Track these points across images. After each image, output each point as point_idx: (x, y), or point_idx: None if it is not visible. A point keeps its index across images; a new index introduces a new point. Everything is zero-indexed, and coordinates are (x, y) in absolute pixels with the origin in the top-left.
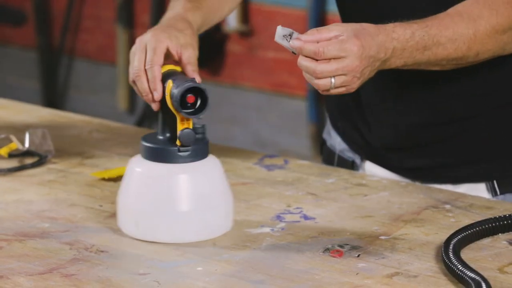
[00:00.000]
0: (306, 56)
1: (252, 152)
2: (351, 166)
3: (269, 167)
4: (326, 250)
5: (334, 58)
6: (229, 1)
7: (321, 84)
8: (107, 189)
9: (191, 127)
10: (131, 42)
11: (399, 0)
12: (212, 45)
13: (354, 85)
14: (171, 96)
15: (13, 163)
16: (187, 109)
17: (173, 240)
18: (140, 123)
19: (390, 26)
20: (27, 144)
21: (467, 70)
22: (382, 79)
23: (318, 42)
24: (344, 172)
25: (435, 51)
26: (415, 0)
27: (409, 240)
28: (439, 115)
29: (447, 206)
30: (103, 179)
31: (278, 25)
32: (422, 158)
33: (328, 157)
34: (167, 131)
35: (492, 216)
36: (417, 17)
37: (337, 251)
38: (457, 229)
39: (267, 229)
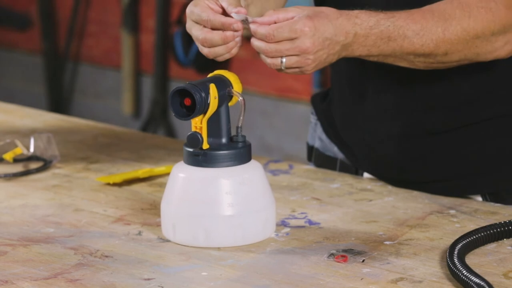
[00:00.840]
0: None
1: (257, 157)
2: (355, 172)
3: (274, 172)
4: (331, 255)
5: (286, 40)
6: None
7: (271, 62)
8: (112, 194)
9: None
10: (136, 46)
11: None
12: None
13: (308, 68)
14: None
15: (18, 168)
16: (181, 112)
17: (212, 244)
18: (145, 128)
19: (354, 12)
20: (32, 149)
21: (452, 81)
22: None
23: (275, 23)
24: (348, 177)
25: (401, 43)
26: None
27: (414, 245)
28: (422, 127)
29: (452, 212)
30: (108, 184)
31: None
32: (415, 172)
33: (325, 162)
34: (208, 135)
35: (497, 222)
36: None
37: (342, 256)
38: (462, 234)
39: (272, 234)
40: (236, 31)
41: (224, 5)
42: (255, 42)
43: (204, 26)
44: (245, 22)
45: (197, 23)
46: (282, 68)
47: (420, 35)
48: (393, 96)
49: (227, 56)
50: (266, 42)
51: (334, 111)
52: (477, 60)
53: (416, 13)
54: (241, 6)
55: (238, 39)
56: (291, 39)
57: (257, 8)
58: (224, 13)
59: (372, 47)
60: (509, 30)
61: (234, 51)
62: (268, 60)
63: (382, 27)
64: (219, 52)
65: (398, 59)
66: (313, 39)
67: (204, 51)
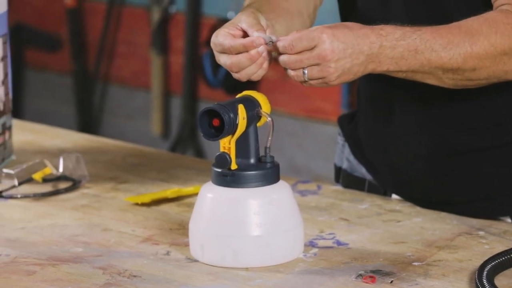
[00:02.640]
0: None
1: (285, 177)
2: (384, 193)
3: (302, 193)
4: (359, 276)
5: (305, 50)
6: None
7: (294, 74)
8: (140, 214)
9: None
10: (166, 67)
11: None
12: None
13: (332, 77)
14: None
15: (47, 187)
16: (210, 133)
17: (240, 265)
18: (173, 148)
19: (378, 26)
20: (61, 169)
21: (479, 102)
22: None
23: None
24: (377, 198)
25: (428, 57)
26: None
27: (443, 266)
28: (449, 148)
29: (481, 233)
30: (137, 204)
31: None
32: (442, 194)
33: (353, 183)
34: (236, 156)
35: None
36: None
37: (370, 277)
38: (491, 255)
39: (300, 255)
40: (258, 45)
41: (244, 27)
42: (280, 57)
43: (230, 53)
44: (268, 42)
45: (222, 52)
46: (305, 79)
47: (448, 49)
48: (419, 117)
49: (260, 73)
50: (287, 54)
51: (360, 132)
52: (505, 79)
53: (442, 28)
54: (262, 26)
55: (264, 54)
56: (311, 48)
57: (282, 27)
58: (246, 35)
59: (400, 60)
60: None
61: (266, 65)
62: (292, 73)
63: (408, 39)
64: (251, 72)
65: (426, 75)
66: (331, 45)
67: (236, 76)
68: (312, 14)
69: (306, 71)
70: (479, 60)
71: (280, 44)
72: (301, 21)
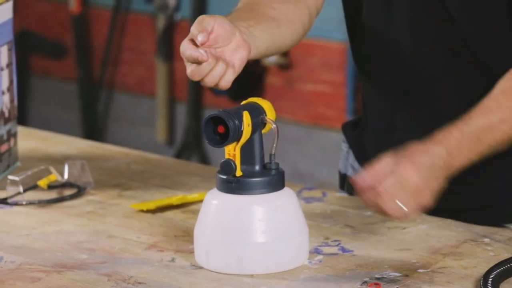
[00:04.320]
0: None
1: (290, 184)
2: None
3: (307, 200)
4: (364, 283)
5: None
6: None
7: (392, 210)
8: (145, 220)
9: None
10: (171, 74)
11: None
12: (251, 78)
13: (426, 200)
14: None
15: (52, 194)
16: (214, 139)
17: (245, 271)
18: (178, 155)
19: (435, 137)
20: (66, 176)
21: None
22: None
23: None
24: None
25: (492, 137)
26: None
27: (448, 273)
28: None
29: (486, 240)
30: (141, 210)
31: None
32: (446, 201)
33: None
34: (241, 162)
35: None
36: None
37: (375, 284)
38: (496, 262)
39: (305, 262)
40: (201, 43)
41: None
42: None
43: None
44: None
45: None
46: (405, 211)
47: (504, 120)
48: (422, 127)
49: (218, 70)
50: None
51: (365, 140)
52: None
53: (489, 102)
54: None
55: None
56: (397, 182)
57: (264, 33)
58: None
59: (470, 154)
60: None
61: (230, 72)
62: (390, 211)
63: (467, 133)
64: (214, 78)
65: (500, 146)
66: (418, 172)
67: (202, 83)
68: (307, 22)
69: (404, 207)
70: None
71: (365, 183)
72: (292, 29)
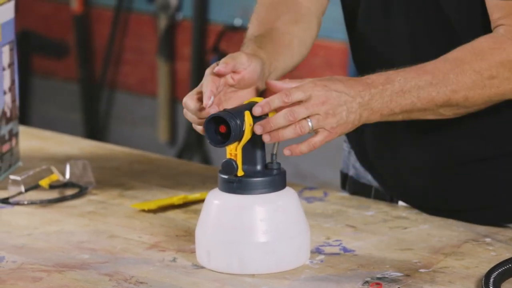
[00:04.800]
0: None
1: (291, 184)
2: (390, 200)
3: (308, 199)
4: (366, 282)
5: (300, 101)
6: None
7: (301, 126)
8: (146, 220)
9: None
10: (172, 74)
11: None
12: None
13: (330, 126)
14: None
15: (54, 194)
16: (216, 139)
17: (246, 271)
18: (180, 155)
19: (363, 76)
20: (67, 176)
21: (484, 112)
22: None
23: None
24: (383, 205)
25: (416, 94)
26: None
27: (449, 273)
28: (454, 157)
29: (488, 240)
30: (143, 210)
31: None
32: (447, 201)
33: (360, 190)
34: (243, 162)
35: None
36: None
37: (377, 284)
38: (497, 262)
39: (306, 261)
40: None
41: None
42: (275, 117)
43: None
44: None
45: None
46: (312, 128)
47: (434, 84)
48: (423, 127)
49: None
50: (284, 106)
51: (366, 140)
52: (507, 98)
53: (427, 64)
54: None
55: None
56: (306, 100)
57: (282, 66)
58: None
59: (390, 103)
60: None
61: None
62: (294, 128)
63: (393, 82)
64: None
65: (423, 112)
66: (326, 94)
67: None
68: (316, 32)
69: (310, 121)
70: (467, 90)
71: (274, 98)
72: (303, 49)
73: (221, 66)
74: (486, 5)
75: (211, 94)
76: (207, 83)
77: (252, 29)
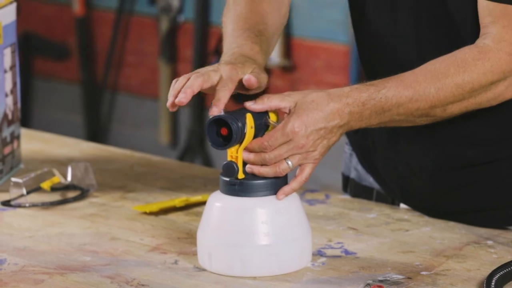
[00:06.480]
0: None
1: None
2: (392, 202)
3: (310, 202)
4: (367, 285)
5: (282, 144)
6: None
7: (280, 168)
8: (148, 222)
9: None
10: (174, 76)
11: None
12: None
13: (313, 158)
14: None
15: (56, 196)
16: (218, 141)
17: (248, 274)
18: (182, 157)
19: (345, 91)
20: (69, 178)
21: (485, 117)
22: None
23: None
24: (385, 207)
25: (396, 111)
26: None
27: (451, 275)
28: (456, 160)
29: (489, 242)
30: (145, 213)
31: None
32: (449, 204)
33: (361, 192)
34: (244, 164)
35: None
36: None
37: (378, 286)
38: (499, 265)
39: (308, 264)
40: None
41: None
42: (251, 157)
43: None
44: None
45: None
46: (290, 167)
47: (414, 100)
48: (426, 130)
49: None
50: (264, 153)
51: (368, 142)
52: (481, 107)
53: (408, 77)
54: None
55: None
56: (287, 142)
57: (265, 56)
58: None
59: (369, 120)
60: (510, 75)
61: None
62: (274, 169)
63: (374, 101)
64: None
65: (399, 122)
66: (306, 134)
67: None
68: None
69: (290, 162)
70: (447, 104)
71: (253, 145)
72: (277, 36)
73: (181, 96)
74: (478, 7)
75: (190, 93)
76: (195, 81)
77: (240, 9)
